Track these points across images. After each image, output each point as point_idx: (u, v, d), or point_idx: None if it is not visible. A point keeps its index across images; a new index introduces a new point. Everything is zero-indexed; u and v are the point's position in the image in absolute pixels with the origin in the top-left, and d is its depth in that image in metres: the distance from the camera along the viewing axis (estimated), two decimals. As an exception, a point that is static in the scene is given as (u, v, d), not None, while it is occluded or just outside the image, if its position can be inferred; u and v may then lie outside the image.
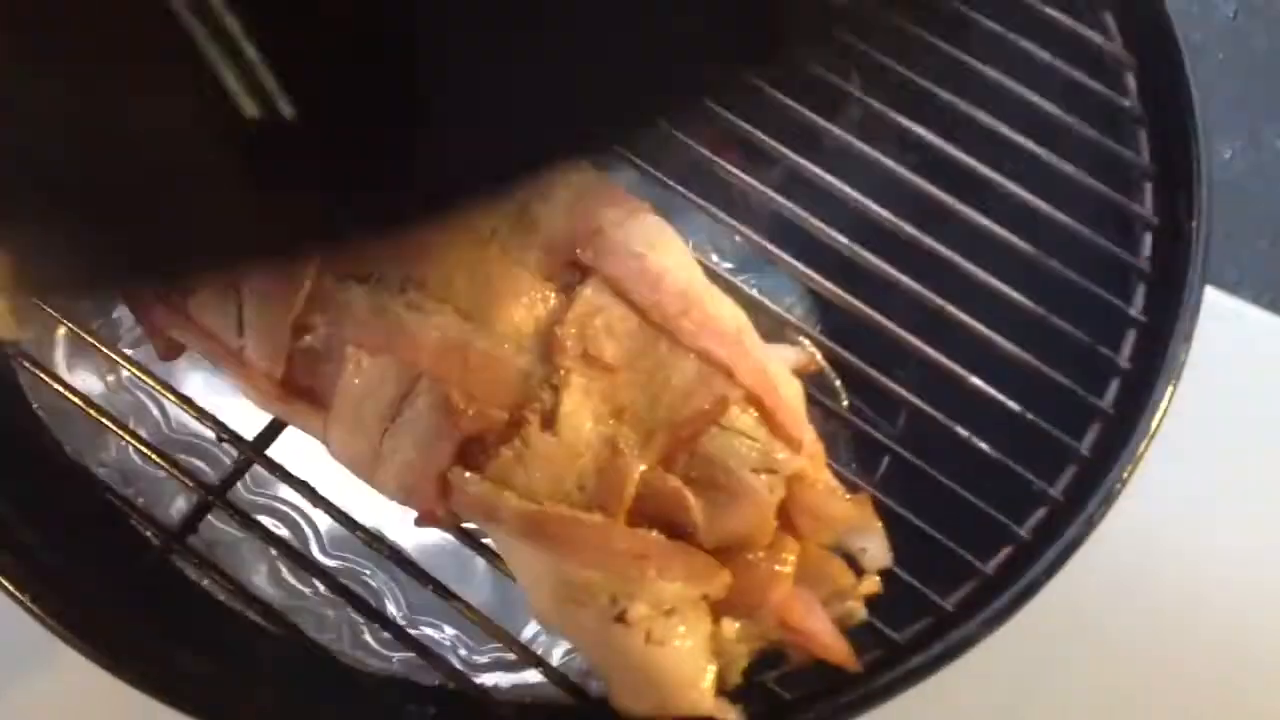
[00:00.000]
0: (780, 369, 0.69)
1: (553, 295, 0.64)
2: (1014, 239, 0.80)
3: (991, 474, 0.76)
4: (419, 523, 0.67)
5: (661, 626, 0.64)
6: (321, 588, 0.80)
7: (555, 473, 0.63)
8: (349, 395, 0.64)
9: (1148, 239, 0.83)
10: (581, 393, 0.63)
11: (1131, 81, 0.87)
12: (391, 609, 0.89)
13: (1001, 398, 0.76)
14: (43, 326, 0.89)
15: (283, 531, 0.89)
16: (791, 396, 0.68)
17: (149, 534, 0.74)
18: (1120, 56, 0.88)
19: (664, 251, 0.68)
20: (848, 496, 0.68)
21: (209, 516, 0.74)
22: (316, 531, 0.91)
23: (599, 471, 0.63)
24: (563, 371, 0.63)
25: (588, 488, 0.64)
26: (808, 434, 0.67)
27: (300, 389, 0.66)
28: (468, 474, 0.63)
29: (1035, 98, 0.84)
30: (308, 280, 0.63)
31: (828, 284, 0.79)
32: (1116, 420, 0.77)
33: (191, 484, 0.74)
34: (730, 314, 0.68)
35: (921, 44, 0.85)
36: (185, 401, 0.75)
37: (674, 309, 0.65)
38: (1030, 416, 0.76)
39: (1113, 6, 0.89)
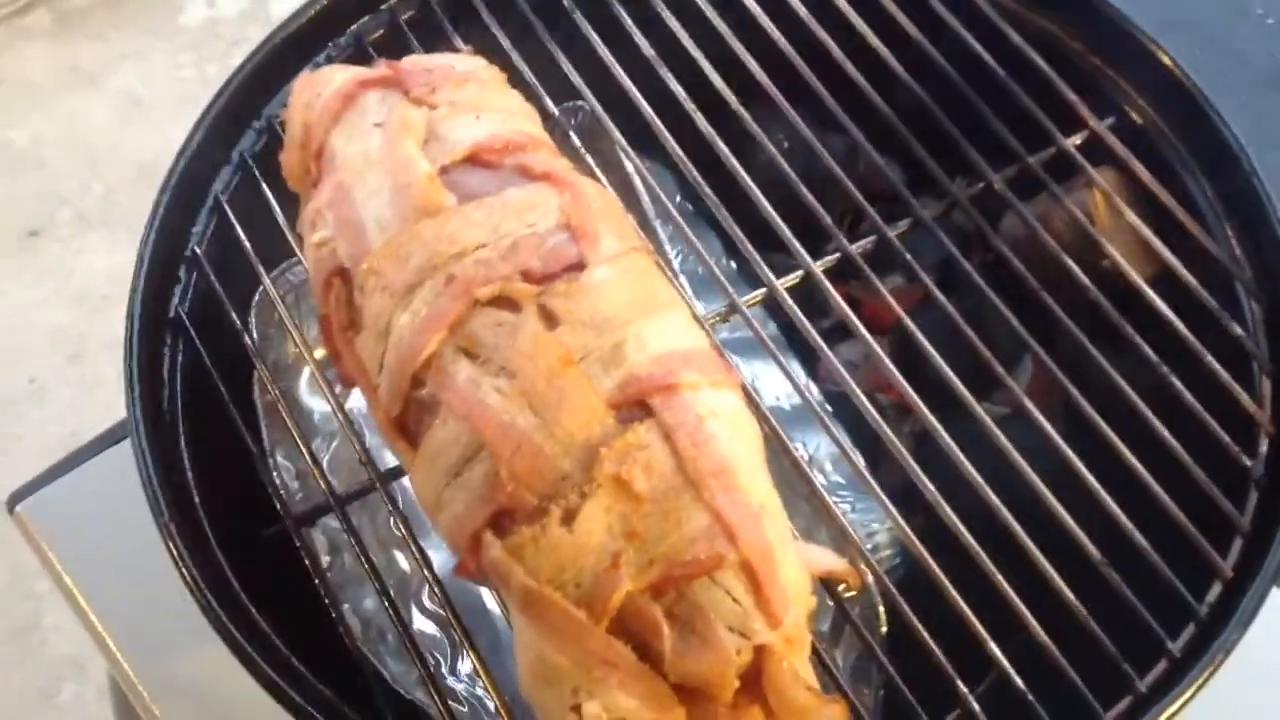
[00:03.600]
0: (794, 559, 0.77)
1: (612, 421, 0.76)
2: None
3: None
4: (456, 571, 0.80)
5: (609, 732, 0.73)
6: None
7: (560, 563, 0.73)
8: (430, 445, 0.78)
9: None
10: (603, 508, 0.74)
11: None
12: (463, 665, 1.01)
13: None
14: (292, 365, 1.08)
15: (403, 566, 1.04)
16: (790, 582, 0.76)
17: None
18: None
19: (726, 423, 0.78)
20: (815, 691, 0.75)
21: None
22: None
23: (595, 576, 0.73)
24: (595, 484, 0.74)
25: (584, 586, 0.73)
26: (790, 617, 0.75)
27: (407, 430, 0.81)
28: (491, 538, 0.75)
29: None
30: (432, 344, 0.78)
31: (910, 534, 0.86)
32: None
33: (323, 485, 0.90)
34: (760, 495, 0.76)
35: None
36: (346, 418, 0.91)
37: (707, 468, 0.75)
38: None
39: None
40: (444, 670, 0.99)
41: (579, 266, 0.80)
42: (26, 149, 2.78)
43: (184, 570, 0.84)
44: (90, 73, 2.90)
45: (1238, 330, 0.94)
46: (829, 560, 0.84)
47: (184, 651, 1.09)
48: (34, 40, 2.94)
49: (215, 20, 3.00)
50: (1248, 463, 0.89)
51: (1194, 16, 2.94)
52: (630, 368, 0.77)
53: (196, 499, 0.91)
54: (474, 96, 0.89)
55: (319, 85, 0.91)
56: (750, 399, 0.88)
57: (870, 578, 0.89)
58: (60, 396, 2.45)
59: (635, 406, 0.77)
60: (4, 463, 1.25)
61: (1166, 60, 1.02)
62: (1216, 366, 0.92)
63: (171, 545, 0.85)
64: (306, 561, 0.89)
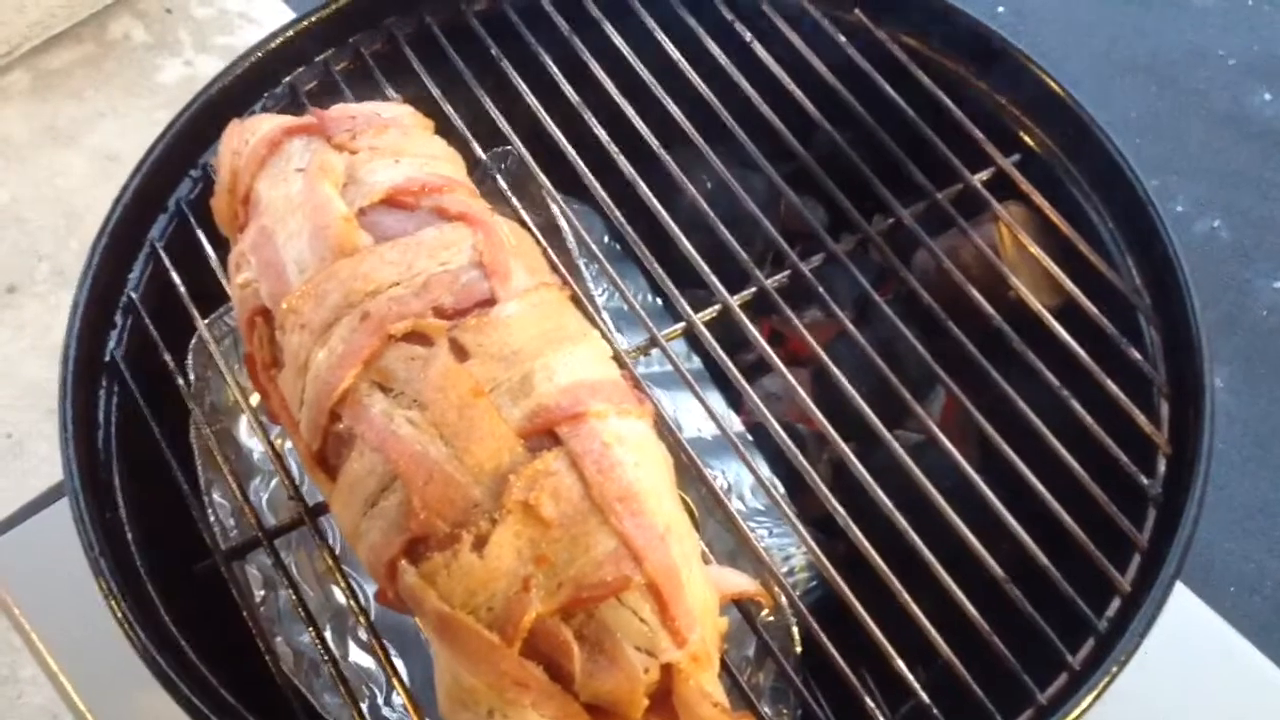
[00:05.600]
0: (700, 579, 0.80)
1: (520, 449, 0.78)
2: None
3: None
4: (377, 598, 0.82)
5: (523, 750, 0.75)
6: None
7: (471, 588, 0.76)
8: (348, 476, 0.81)
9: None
10: (513, 534, 0.76)
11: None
12: (397, 698, 1.03)
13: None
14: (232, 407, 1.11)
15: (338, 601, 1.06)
16: (696, 602, 0.78)
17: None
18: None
19: (633, 449, 0.80)
20: (723, 707, 0.77)
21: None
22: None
23: (506, 599, 0.76)
24: (504, 510, 0.77)
25: (495, 610, 0.76)
26: (696, 634, 0.77)
27: (327, 463, 0.84)
28: (406, 565, 0.78)
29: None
30: (347, 379, 0.81)
31: (823, 557, 0.90)
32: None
33: (253, 520, 0.92)
34: (666, 517, 0.79)
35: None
36: (278, 457, 0.94)
37: (613, 493, 0.77)
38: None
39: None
40: (380, 702, 1.01)
41: (490, 302, 0.83)
42: (5, 206, 2.81)
43: (112, 603, 0.86)
44: (68, 131, 2.93)
45: (1137, 356, 0.97)
46: (740, 582, 0.86)
47: (141, 694, 1.11)
48: (12, 100, 2.98)
49: (192, 78, 3.04)
50: (1146, 482, 0.92)
51: (1154, 59, 3.02)
52: (538, 398, 0.80)
53: (129, 536, 0.93)
54: (395, 142, 0.93)
55: (247, 132, 0.95)
56: (667, 428, 0.92)
57: (784, 600, 0.92)
58: (37, 450, 2.47)
59: (543, 435, 0.79)
60: (-16, 516, 1.30)
61: (1065, 95, 1.06)
62: (1116, 391, 0.95)
63: (101, 580, 0.87)
64: (236, 595, 0.91)
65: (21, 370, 2.55)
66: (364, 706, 1.01)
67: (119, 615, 0.87)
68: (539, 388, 0.81)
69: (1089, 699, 0.82)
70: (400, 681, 0.87)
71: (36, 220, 2.78)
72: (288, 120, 0.95)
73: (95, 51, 3.06)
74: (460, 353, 0.81)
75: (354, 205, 0.87)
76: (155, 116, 3.02)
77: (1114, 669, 0.82)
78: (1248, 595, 2.12)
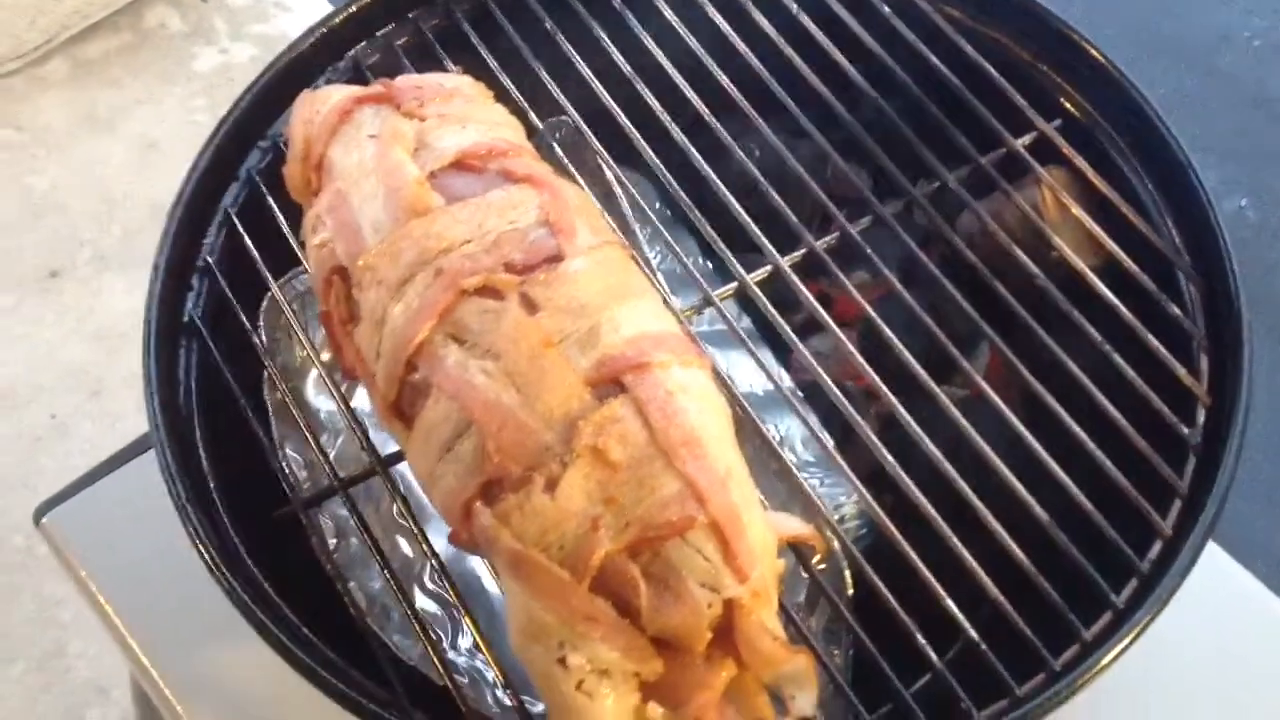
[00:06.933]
0: (759, 521, 0.84)
1: (589, 397, 0.82)
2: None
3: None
4: (450, 539, 0.87)
5: (593, 681, 0.80)
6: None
7: (544, 527, 0.80)
8: (424, 424, 0.85)
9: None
10: (582, 476, 0.81)
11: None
12: (462, 641, 1.07)
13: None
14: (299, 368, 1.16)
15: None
16: (756, 541, 0.82)
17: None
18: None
19: (695, 398, 0.85)
20: (782, 641, 0.81)
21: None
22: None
23: (577, 538, 0.80)
24: (574, 454, 0.81)
25: (566, 548, 0.80)
26: (757, 572, 0.81)
27: (403, 413, 0.88)
28: (481, 506, 0.82)
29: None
30: (423, 331, 0.85)
31: (873, 502, 0.93)
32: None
33: (328, 469, 0.97)
34: (727, 462, 0.83)
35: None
36: (350, 412, 0.99)
37: (677, 438, 0.81)
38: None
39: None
40: (445, 645, 1.05)
41: (557, 258, 0.87)
42: (46, 193, 2.87)
43: (200, 547, 0.91)
44: (106, 119, 2.99)
45: (1176, 312, 1.01)
46: (795, 526, 0.90)
47: (206, 650, 1.16)
48: (51, 89, 3.04)
49: (228, 65, 3.10)
50: (1186, 432, 0.95)
51: (1181, 41, 3.05)
52: (605, 348, 0.84)
53: (211, 484, 0.97)
54: (460, 109, 0.97)
55: (318, 102, 0.99)
56: (722, 382, 0.96)
57: (836, 545, 0.96)
58: (82, 431, 2.53)
59: (610, 384, 0.84)
60: (31, 497, 1.32)
61: (1106, 63, 1.10)
62: (1157, 345, 0.99)
63: (189, 525, 0.92)
64: (314, 540, 0.96)
65: (64, 354, 2.61)
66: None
67: (205, 556, 0.91)
68: (605, 339, 0.85)
69: (1131, 635, 0.85)
70: (472, 619, 0.92)
71: (77, 206, 2.84)
72: (358, 90, 0.99)
73: (132, 40, 3.12)
74: (530, 306, 0.85)
75: (425, 168, 0.91)
76: (192, 104, 3.08)
77: (1156, 608, 0.86)
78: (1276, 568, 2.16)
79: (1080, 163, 1.08)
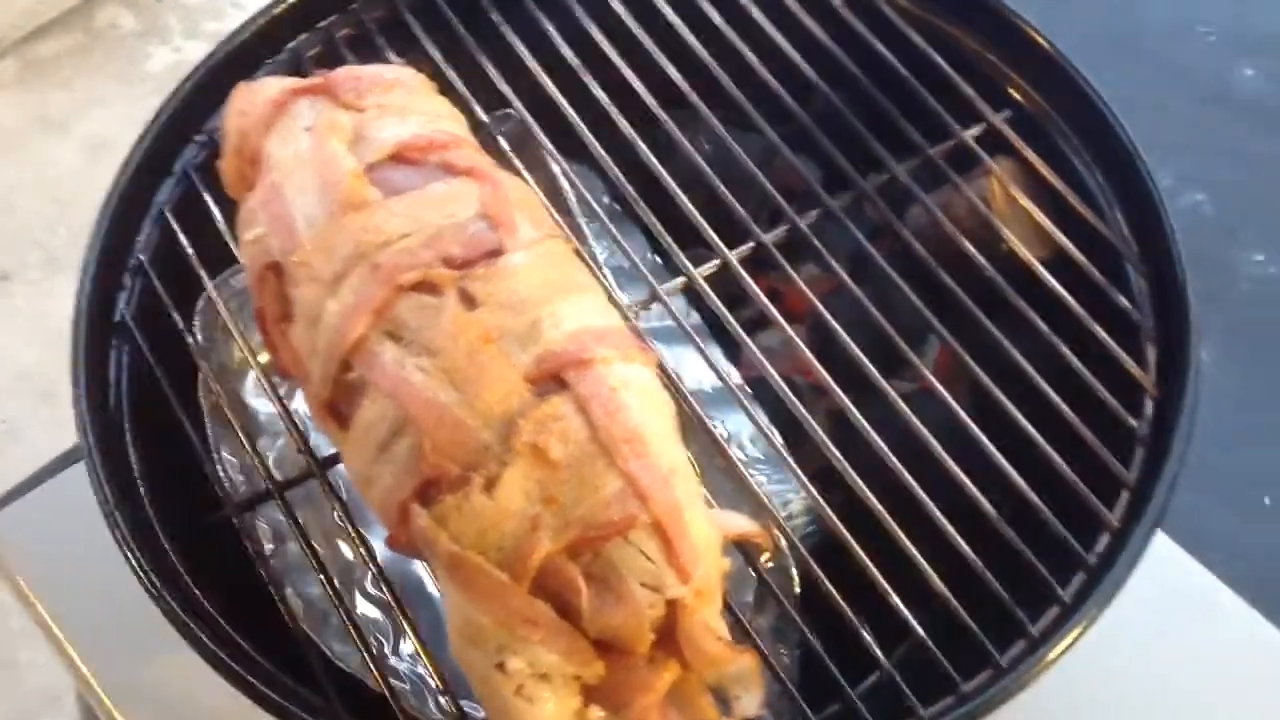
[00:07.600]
0: (703, 518, 0.82)
1: (529, 394, 0.80)
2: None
3: None
4: (387, 543, 0.85)
5: (533, 685, 0.78)
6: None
7: (482, 528, 0.78)
8: (360, 424, 0.83)
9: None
10: (522, 475, 0.79)
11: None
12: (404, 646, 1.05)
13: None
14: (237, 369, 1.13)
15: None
16: (700, 539, 0.80)
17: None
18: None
19: (638, 394, 0.83)
20: (726, 641, 0.79)
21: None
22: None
23: (516, 539, 0.78)
24: (514, 453, 0.79)
25: (505, 549, 0.78)
26: (700, 571, 0.79)
27: (338, 413, 0.86)
28: (418, 508, 0.80)
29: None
30: (359, 329, 0.83)
31: (821, 500, 0.92)
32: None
33: (263, 473, 0.95)
34: (670, 459, 0.81)
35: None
36: (288, 414, 0.96)
37: (619, 435, 0.80)
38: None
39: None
40: (386, 651, 1.03)
41: (497, 252, 0.85)
42: (-3, 195, 2.82)
43: (127, 552, 0.88)
44: (58, 119, 2.94)
45: (1125, 303, 1.00)
46: (741, 524, 0.89)
47: (146, 658, 1.13)
48: (2, 90, 2.99)
49: (180, 64, 3.05)
50: (1134, 423, 0.95)
51: (1138, 33, 3.05)
52: (546, 344, 0.82)
53: (143, 489, 0.95)
54: (400, 100, 0.95)
55: (253, 94, 0.97)
56: (669, 379, 0.94)
57: (784, 543, 0.94)
58: (32, 435, 2.48)
59: (551, 380, 0.81)
60: (-20, 501, 1.33)
61: (1055, 53, 1.09)
62: (1105, 337, 0.98)
63: (116, 530, 0.89)
64: (248, 546, 0.94)
65: (15, 357, 2.57)
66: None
67: (133, 564, 0.89)
68: (546, 334, 0.83)
69: (1078, 630, 0.84)
70: (412, 625, 0.90)
71: (28, 208, 2.79)
72: (295, 81, 0.97)
73: (84, 40, 3.07)
74: (469, 301, 0.83)
75: (362, 161, 0.89)
76: (145, 104, 2.99)
77: (1103, 601, 0.85)
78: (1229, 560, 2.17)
79: (1029, 154, 1.07)
